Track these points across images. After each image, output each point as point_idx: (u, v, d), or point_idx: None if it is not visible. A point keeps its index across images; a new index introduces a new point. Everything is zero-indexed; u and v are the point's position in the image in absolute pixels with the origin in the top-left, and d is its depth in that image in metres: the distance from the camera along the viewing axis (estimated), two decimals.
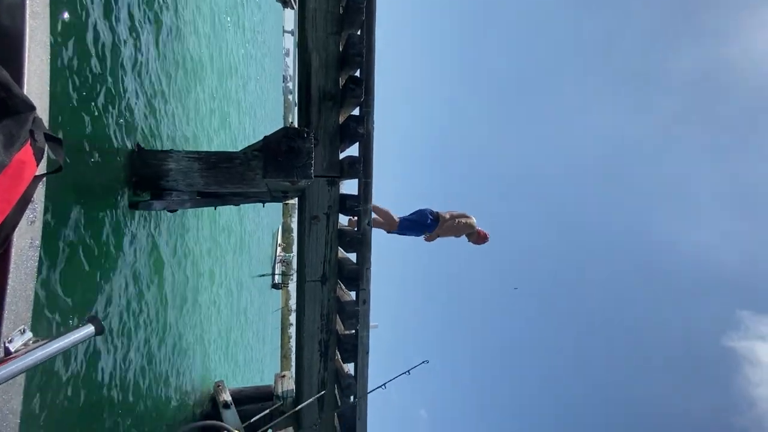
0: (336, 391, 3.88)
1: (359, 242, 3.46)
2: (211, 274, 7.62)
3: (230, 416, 5.76)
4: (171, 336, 5.27)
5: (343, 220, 3.92)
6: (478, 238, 4.90)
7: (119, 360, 3.56)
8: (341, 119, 3.35)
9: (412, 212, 4.65)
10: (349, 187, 3.77)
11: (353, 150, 3.54)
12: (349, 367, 3.89)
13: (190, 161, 3.07)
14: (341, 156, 3.48)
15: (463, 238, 4.85)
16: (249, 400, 6.23)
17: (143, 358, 4.32)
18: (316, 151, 3.22)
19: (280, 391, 5.85)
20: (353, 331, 3.67)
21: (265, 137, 2.57)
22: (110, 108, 3.21)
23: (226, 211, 9.16)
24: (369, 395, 3.80)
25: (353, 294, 3.71)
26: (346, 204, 3.40)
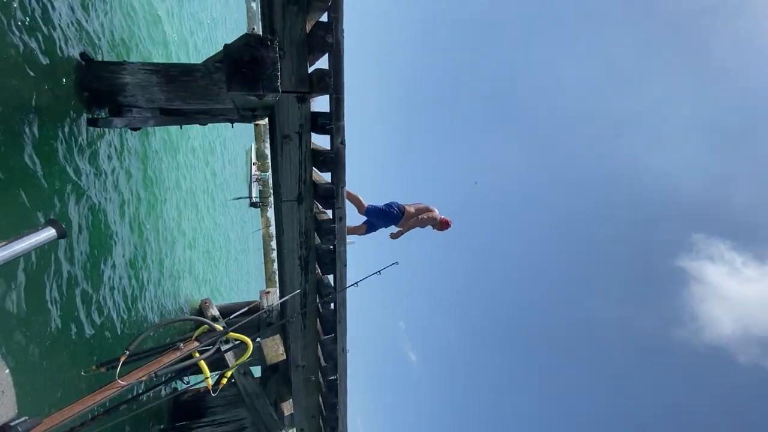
0: (317, 300, 4.19)
1: (333, 161, 3.46)
2: (187, 195, 7.53)
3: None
4: (152, 257, 5.38)
5: (317, 140, 3.86)
6: (441, 226, 5.19)
7: (96, 275, 3.66)
8: (308, 27, 3.11)
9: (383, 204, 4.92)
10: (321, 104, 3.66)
11: (323, 63, 3.36)
12: (329, 279, 4.17)
13: (148, 74, 2.86)
14: (310, 70, 3.31)
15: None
16: (235, 315, 6.66)
17: (124, 278, 4.45)
18: (283, 64, 3.04)
19: (265, 304, 6.25)
20: (331, 246, 3.85)
21: (226, 45, 2.39)
22: (46, 16, 2.86)
23: (196, 130, 8.74)
24: (350, 310, 4.15)
25: (330, 213, 3.83)
26: (317, 122, 3.32)
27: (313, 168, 3.66)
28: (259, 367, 5.14)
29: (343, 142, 3.37)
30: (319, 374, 4.44)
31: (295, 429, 4.27)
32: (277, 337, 5.44)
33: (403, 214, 4.82)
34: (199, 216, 8.73)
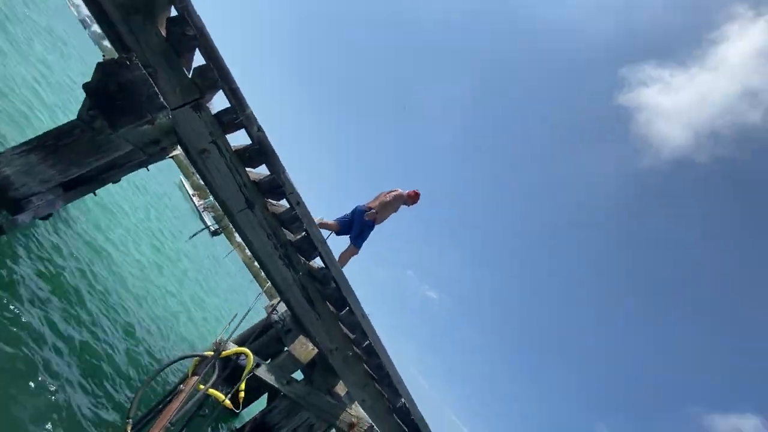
0: (317, 286, 4.21)
1: (260, 152, 3.32)
2: (145, 252, 7.16)
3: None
4: (142, 323, 5.18)
5: (235, 139, 3.65)
6: (412, 200, 5.57)
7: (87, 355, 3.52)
8: (163, 31, 2.82)
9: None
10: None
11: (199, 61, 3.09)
12: (317, 261, 4.16)
13: (24, 156, 2.56)
14: (190, 74, 3.05)
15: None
16: (253, 338, 6.63)
17: (121, 351, 4.29)
18: (159, 80, 2.78)
19: (276, 317, 6.24)
20: (303, 232, 3.80)
21: (85, 85, 2.14)
22: None
23: (116, 190, 8.13)
24: (353, 277, 4.18)
25: (284, 202, 3.73)
26: (224, 121, 3.13)
27: (246, 168, 3.51)
28: (300, 371, 5.23)
29: (260, 129, 3.21)
30: (353, 347, 4.57)
31: (357, 403, 4.45)
32: (302, 337, 5.50)
33: (366, 214, 5.09)
34: (171, 266, 8.38)
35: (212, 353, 1.97)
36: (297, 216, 3.62)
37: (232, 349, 2.12)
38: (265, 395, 5.74)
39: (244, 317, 2.17)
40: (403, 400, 4.80)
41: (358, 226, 5.19)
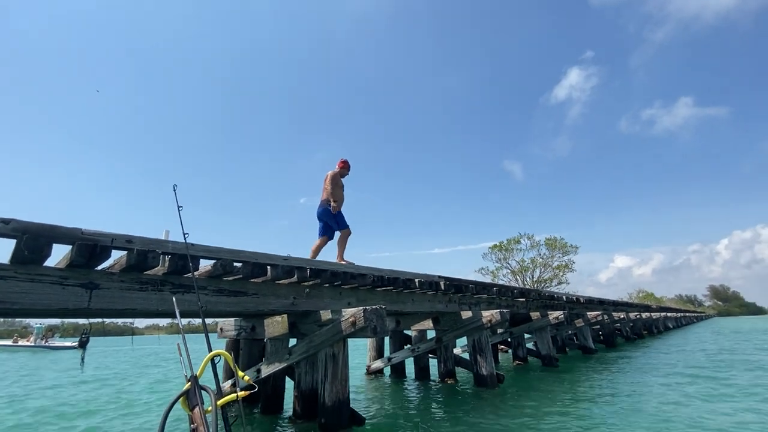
0: (221, 283, 4.10)
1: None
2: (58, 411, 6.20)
3: None
4: None
5: None
6: (342, 171, 6.76)
7: None
8: None
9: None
10: None
11: None
12: (204, 265, 3.96)
13: None
14: None
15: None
16: (237, 359, 6.54)
17: None
18: None
19: (233, 333, 6.10)
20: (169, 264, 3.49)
21: None
22: None
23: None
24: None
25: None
26: None
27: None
28: (289, 340, 5.40)
29: None
30: (303, 284, 4.80)
31: (345, 309, 4.86)
32: (266, 320, 5.55)
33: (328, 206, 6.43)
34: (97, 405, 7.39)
35: (189, 384, 1.98)
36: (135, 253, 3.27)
37: (202, 364, 2.14)
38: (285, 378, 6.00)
39: (186, 349, 2.12)
40: (362, 272, 5.37)
41: (332, 219, 6.40)
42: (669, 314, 33.87)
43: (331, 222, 6.42)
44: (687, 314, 48.55)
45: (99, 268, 3.22)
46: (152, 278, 3.48)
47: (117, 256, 3.33)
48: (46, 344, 33.23)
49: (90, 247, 2.90)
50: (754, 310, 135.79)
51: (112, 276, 3.26)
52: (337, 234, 6.52)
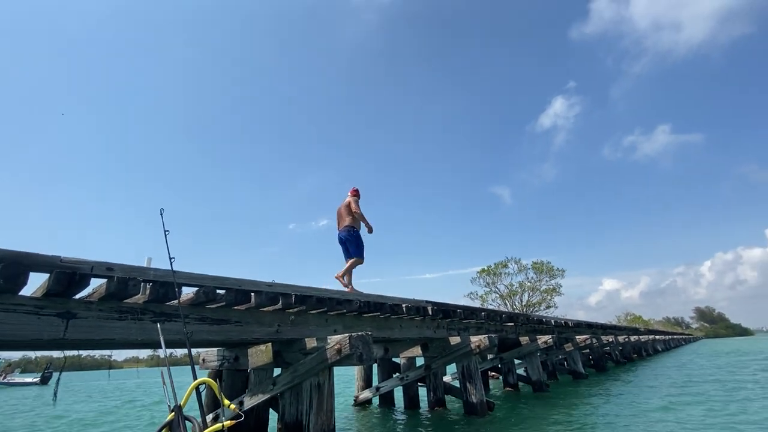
0: (203, 312, 4.03)
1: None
2: None
3: None
4: None
5: None
6: (356, 198, 7.11)
7: None
8: None
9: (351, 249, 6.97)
10: None
11: None
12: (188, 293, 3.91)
13: None
14: None
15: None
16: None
17: None
18: None
19: (215, 363, 5.92)
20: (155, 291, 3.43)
21: None
22: None
23: None
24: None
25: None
26: None
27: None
28: (273, 370, 5.26)
29: None
30: (288, 311, 4.74)
31: (330, 336, 4.79)
32: (250, 349, 5.41)
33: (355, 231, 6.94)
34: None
35: (172, 414, 1.93)
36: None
37: (186, 393, 2.09)
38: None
39: (170, 378, 2.07)
40: (349, 297, 5.34)
41: (353, 244, 6.75)
42: (657, 337, 33.97)
43: (351, 246, 6.79)
44: (675, 336, 48.76)
45: (77, 297, 3.15)
46: (132, 306, 3.41)
47: (96, 284, 3.26)
48: (4, 380, 31.21)
49: (68, 275, 2.84)
50: (740, 331, 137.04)
51: (90, 305, 3.18)
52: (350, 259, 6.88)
